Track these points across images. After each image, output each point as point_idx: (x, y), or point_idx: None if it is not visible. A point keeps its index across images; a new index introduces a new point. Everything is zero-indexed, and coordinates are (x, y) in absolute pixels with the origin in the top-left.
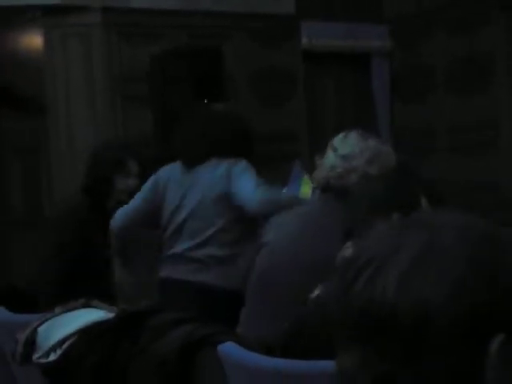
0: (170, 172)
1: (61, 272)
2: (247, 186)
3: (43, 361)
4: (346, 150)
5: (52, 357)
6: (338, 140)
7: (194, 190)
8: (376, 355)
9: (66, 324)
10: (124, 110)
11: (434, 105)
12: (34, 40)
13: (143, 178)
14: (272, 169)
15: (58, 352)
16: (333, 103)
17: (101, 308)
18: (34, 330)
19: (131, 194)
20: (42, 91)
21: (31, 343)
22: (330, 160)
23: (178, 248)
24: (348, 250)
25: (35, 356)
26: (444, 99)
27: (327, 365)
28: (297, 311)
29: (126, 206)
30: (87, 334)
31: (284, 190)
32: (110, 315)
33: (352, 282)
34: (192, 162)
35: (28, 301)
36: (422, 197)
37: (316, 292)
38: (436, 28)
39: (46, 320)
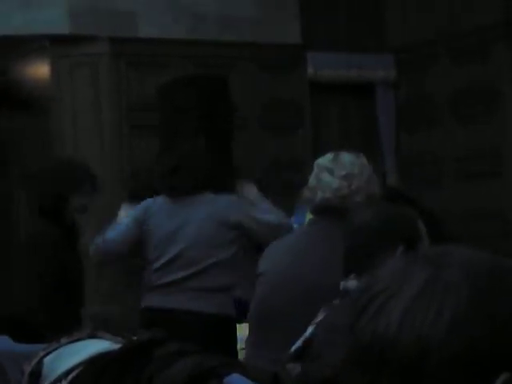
0: (155, 203)
1: (43, 300)
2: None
3: None
4: (343, 169)
5: None
6: (327, 161)
7: (191, 222)
8: None
9: (72, 355)
10: (131, 139)
11: (439, 134)
12: (41, 69)
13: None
14: (279, 197)
15: (64, 383)
16: (338, 133)
17: (107, 338)
18: (40, 361)
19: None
20: (49, 120)
21: (37, 374)
22: (329, 181)
23: (173, 277)
24: (352, 282)
25: None
26: (449, 128)
27: None
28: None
29: (111, 231)
30: (92, 365)
31: (291, 219)
32: (116, 346)
33: (358, 317)
34: (179, 195)
35: (30, 330)
36: (420, 222)
37: (319, 317)
38: (441, 57)
39: (52, 350)
